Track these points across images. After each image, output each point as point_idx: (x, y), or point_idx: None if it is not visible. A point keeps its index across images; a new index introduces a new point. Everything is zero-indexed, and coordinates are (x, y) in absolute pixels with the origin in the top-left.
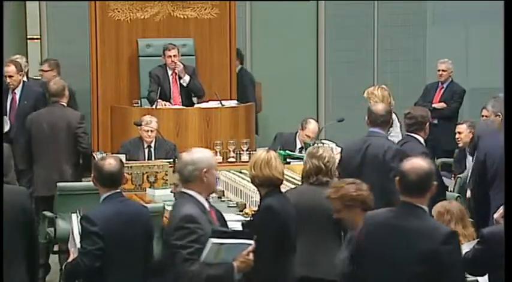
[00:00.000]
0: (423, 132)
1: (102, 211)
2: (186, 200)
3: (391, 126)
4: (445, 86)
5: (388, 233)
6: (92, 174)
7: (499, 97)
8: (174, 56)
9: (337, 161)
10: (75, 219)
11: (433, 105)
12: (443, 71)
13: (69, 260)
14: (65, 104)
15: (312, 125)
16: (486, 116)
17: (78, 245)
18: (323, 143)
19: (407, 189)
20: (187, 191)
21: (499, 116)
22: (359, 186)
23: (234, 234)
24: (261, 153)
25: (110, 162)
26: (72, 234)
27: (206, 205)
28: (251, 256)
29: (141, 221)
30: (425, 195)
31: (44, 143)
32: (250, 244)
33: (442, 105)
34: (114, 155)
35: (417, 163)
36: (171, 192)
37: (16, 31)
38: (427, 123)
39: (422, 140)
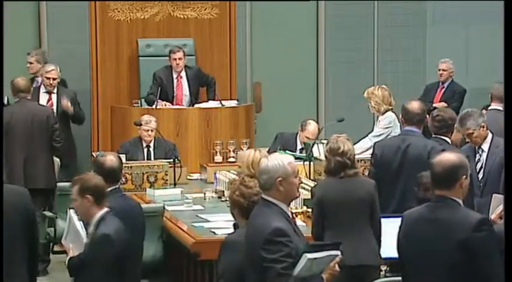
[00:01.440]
0: (451, 134)
1: (116, 228)
2: (270, 210)
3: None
4: (445, 85)
5: (423, 227)
6: (92, 171)
7: (470, 112)
8: (179, 58)
9: (353, 149)
10: (73, 214)
11: (434, 105)
12: (443, 70)
13: (71, 254)
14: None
15: (312, 127)
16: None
17: (85, 239)
18: (323, 143)
19: (435, 182)
20: (268, 198)
21: (483, 127)
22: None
23: (324, 246)
24: (253, 153)
25: (111, 158)
26: (71, 228)
27: (289, 213)
28: (337, 267)
29: (141, 215)
30: (453, 186)
31: (19, 138)
32: (337, 255)
33: (443, 104)
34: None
35: (445, 156)
36: None
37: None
38: (455, 126)
39: (450, 142)
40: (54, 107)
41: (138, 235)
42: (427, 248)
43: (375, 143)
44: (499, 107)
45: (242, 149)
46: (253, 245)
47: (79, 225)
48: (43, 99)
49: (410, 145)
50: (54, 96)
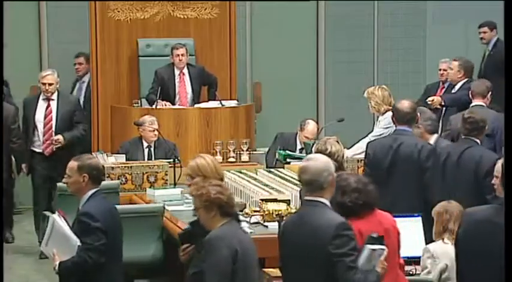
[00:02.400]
0: (481, 136)
1: (97, 206)
2: (323, 209)
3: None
4: (446, 85)
5: (486, 229)
6: (87, 173)
7: (421, 110)
8: (181, 54)
9: (344, 150)
10: (58, 219)
11: (427, 100)
12: (444, 70)
13: (58, 260)
14: None
15: (311, 126)
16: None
17: (77, 242)
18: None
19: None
20: (319, 198)
21: (420, 127)
22: (221, 190)
23: (376, 240)
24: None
25: (99, 161)
26: (55, 234)
27: None
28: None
29: (118, 216)
30: None
31: None
32: (384, 249)
33: (438, 99)
34: (114, 154)
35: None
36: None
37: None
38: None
39: (479, 143)
40: (54, 115)
41: (118, 237)
42: (487, 249)
43: (367, 143)
44: (481, 102)
45: (242, 149)
46: (316, 243)
47: (67, 229)
48: (41, 107)
49: (402, 144)
50: (53, 103)
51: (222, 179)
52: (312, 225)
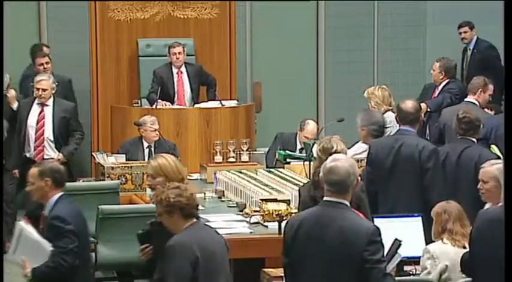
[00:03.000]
0: (477, 134)
1: (66, 209)
2: (349, 212)
3: (414, 125)
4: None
5: (498, 229)
6: (49, 177)
7: (366, 111)
8: (179, 53)
9: (346, 150)
10: (25, 226)
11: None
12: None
13: (29, 267)
14: None
15: (311, 126)
16: None
17: (49, 247)
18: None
19: None
20: (343, 200)
21: (364, 129)
22: (180, 192)
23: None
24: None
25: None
26: (23, 241)
27: None
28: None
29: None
30: None
31: None
32: (400, 255)
33: (423, 105)
34: (114, 154)
35: None
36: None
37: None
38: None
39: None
40: (49, 121)
41: (87, 240)
42: (501, 248)
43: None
44: (473, 99)
45: (242, 149)
46: (347, 246)
47: (36, 235)
48: (34, 111)
49: (403, 144)
50: (47, 109)
51: (183, 179)
52: (341, 227)
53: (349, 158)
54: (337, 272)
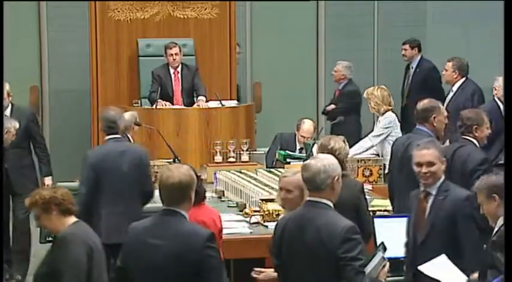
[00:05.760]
0: (472, 133)
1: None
2: (327, 211)
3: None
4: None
5: None
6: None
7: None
8: (175, 54)
9: (348, 150)
10: None
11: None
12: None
13: None
14: None
15: (307, 125)
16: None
17: None
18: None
19: None
20: (320, 199)
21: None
22: (54, 190)
23: (381, 247)
24: None
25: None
26: None
27: None
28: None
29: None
30: None
31: None
32: (384, 258)
33: (332, 107)
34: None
35: None
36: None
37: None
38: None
39: (476, 142)
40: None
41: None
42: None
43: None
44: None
45: (242, 149)
46: (323, 245)
47: None
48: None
49: (411, 143)
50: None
51: None
52: (318, 226)
53: (331, 158)
54: (318, 272)
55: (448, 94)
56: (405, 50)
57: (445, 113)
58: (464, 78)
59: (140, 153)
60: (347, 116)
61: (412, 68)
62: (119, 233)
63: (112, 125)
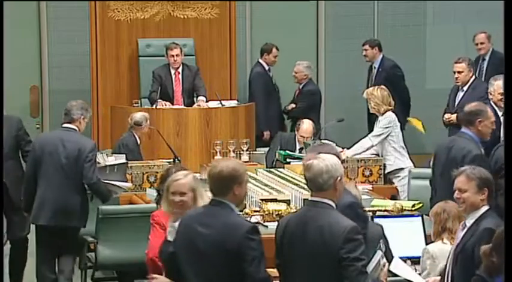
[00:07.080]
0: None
1: None
2: (329, 211)
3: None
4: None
5: None
6: None
7: None
8: (176, 55)
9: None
10: None
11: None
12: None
13: None
14: None
15: (305, 125)
16: None
17: None
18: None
19: None
20: (322, 199)
21: None
22: None
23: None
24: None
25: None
26: None
27: None
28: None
29: None
30: None
31: None
32: (380, 253)
33: (292, 106)
34: None
35: None
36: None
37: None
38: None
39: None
40: None
41: None
42: None
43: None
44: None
45: (242, 149)
46: (325, 245)
47: None
48: None
49: (454, 146)
50: None
51: None
52: (320, 226)
53: (334, 158)
54: (320, 272)
55: (451, 94)
56: (366, 50)
57: (493, 118)
58: (474, 77)
59: (81, 145)
60: (306, 115)
61: (374, 68)
62: (44, 217)
63: (66, 112)
